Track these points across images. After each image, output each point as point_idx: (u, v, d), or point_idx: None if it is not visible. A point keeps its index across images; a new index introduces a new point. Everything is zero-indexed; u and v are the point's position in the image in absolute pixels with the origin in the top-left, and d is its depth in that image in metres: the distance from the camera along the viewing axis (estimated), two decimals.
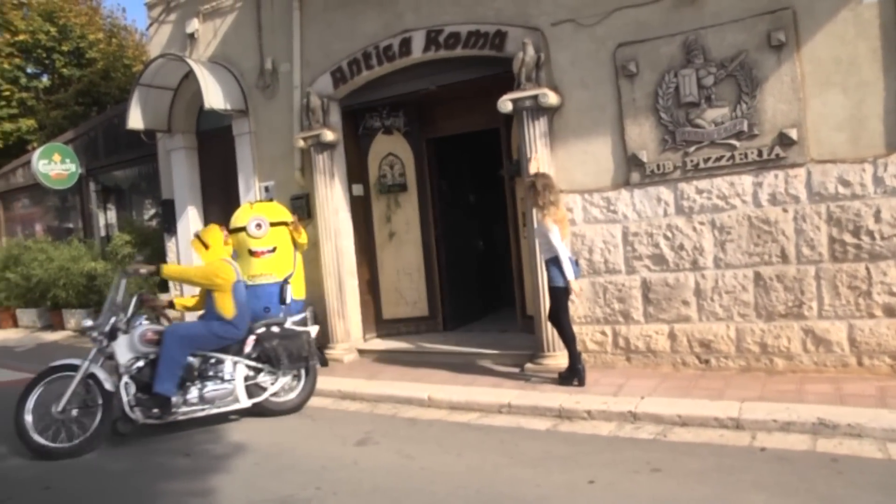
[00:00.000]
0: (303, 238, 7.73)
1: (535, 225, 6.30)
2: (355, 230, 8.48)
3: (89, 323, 5.83)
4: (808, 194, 5.73)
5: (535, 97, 6.52)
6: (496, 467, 4.53)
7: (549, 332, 6.45)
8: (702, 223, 6.13)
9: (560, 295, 6.04)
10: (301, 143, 8.21)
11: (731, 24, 5.89)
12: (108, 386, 5.60)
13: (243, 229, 7.64)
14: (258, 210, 7.77)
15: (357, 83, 8.07)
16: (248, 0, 8.86)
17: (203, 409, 5.88)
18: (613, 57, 6.39)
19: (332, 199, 8.15)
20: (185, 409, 5.79)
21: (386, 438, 5.35)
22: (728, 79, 5.93)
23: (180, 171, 9.84)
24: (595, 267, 6.62)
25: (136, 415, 5.63)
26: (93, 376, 5.61)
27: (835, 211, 5.64)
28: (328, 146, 8.13)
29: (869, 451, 4.25)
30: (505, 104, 6.69)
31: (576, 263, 6.15)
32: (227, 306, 5.93)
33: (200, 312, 6.32)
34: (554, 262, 5.99)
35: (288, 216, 7.79)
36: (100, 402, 5.59)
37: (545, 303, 6.39)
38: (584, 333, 6.65)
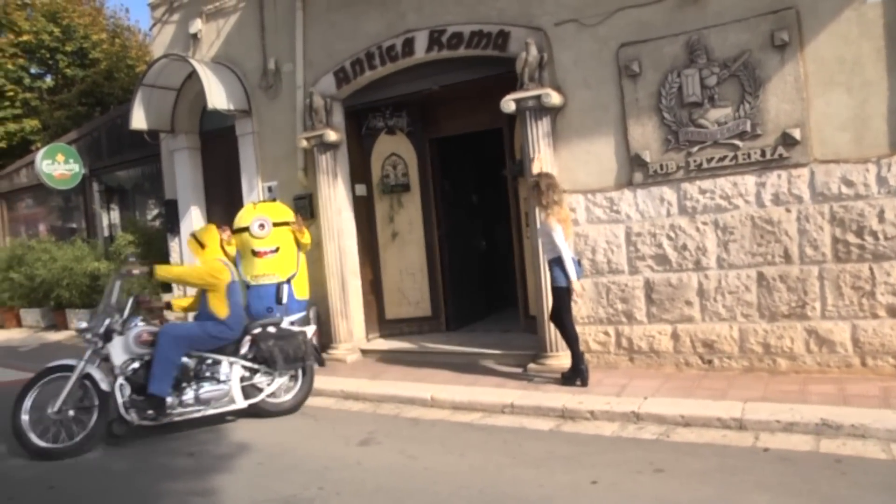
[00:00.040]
0: (306, 238, 7.74)
1: (539, 224, 6.30)
2: (358, 230, 8.48)
3: (84, 325, 5.83)
4: (811, 194, 5.72)
5: (538, 97, 6.52)
6: (499, 467, 4.53)
7: (552, 332, 6.45)
8: (705, 223, 6.13)
9: (563, 295, 6.04)
10: (304, 144, 8.21)
11: (734, 23, 5.88)
12: (103, 386, 5.59)
13: (246, 229, 7.66)
14: (261, 210, 7.79)
15: (360, 83, 8.07)
16: (250, 0, 8.86)
17: (199, 411, 5.86)
18: (616, 57, 6.39)
19: (336, 200, 8.16)
20: (180, 410, 5.78)
21: (389, 438, 5.35)
22: (731, 79, 5.92)
23: (183, 172, 9.85)
24: (598, 267, 6.61)
25: (131, 416, 5.62)
26: (89, 377, 5.61)
27: (838, 211, 5.63)
28: (331, 146, 8.14)
29: (873, 452, 4.24)
30: (508, 104, 6.68)
31: (578, 263, 6.15)
32: (220, 306, 5.92)
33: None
34: (557, 262, 5.99)
35: (291, 216, 7.81)
36: (96, 402, 5.58)
37: (548, 303, 6.39)
38: (588, 334, 6.64)
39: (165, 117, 9.58)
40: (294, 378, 6.36)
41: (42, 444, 5.46)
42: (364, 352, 8.20)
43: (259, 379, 6.13)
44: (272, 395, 6.20)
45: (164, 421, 5.74)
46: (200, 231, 6.34)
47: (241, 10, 8.98)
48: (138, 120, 9.28)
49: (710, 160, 6.04)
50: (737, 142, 5.93)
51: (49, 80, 17.99)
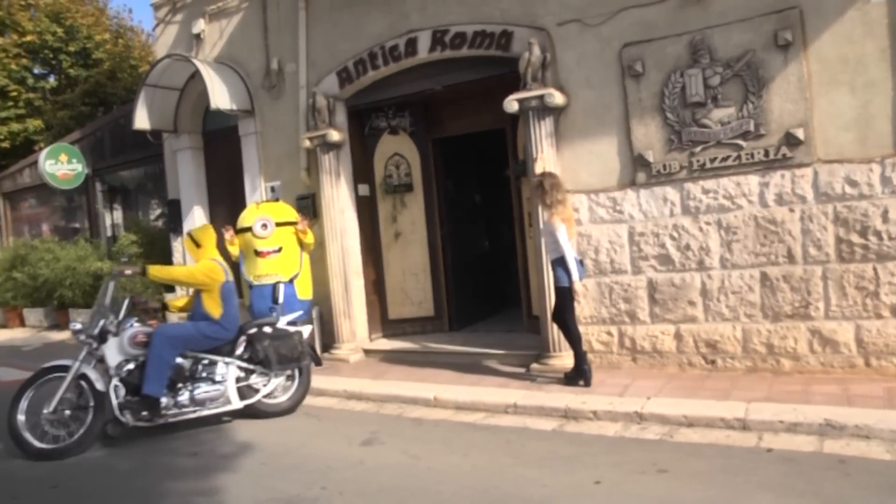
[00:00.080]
0: (309, 238, 7.75)
1: (542, 224, 6.30)
2: (361, 230, 8.48)
3: (78, 326, 5.81)
4: (814, 194, 5.71)
5: (541, 97, 6.51)
6: (502, 467, 4.53)
7: (555, 332, 6.44)
8: (708, 223, 6.12)
9: (565, 295, 6.03)
10: (307, 144, 8.22)
11: (738, 23, 5.87)
12: (99, 386, 5.57)
13: (249, 229, 7.67)
14: (264, 210, 7.80)
15: (363, 83, 8.08)
16: (253, 0, 8.87)
17: (194, 411, 5.83)
18: (619, 57, 6.38)
19: (338, 199, 8.16)
20: (175, 411, 5.76)
21: (392, 438, 5.35)
22: (734, 78, 5.91)
23: (186, 172, 9.86)
24: (601, 267, 6.61)
25: (126, 418, 5.60)
26: (84, 377, 5.60)
27: (842, 211, 5.62)
28: (334, 146, 8.14)
29: (877, 453, 4.23)
30: (511, 104, 6.68)
31: (581, 264, 6.15)
32: (214, 306, 5.90)
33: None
34: (560, 263, 5.98)
35: (294, 216, 7.81)
36: (91, 403, 5.56)
37: (551, 303, 6.39)
38: (590, 334, 6.64)
39: (168, 117, 9.59)
40: (291, 378, 6.33)
41: (38, 444, 5.45)
42: (367, 352, 8.20)
43: (255, 379, 6.10)
44: (269, 395, 6.17)
45: (159, 422, 5.71)
46: (197, 230, 6.32)
47: (243, 10, 8.99)
48: (141, 120, 9.29)
49: (713, 160, 6.03)
50: (740, 142, 5.92)
51: (52, 80, 18.03)
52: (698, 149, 6.08)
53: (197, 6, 9.37)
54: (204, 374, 5.93)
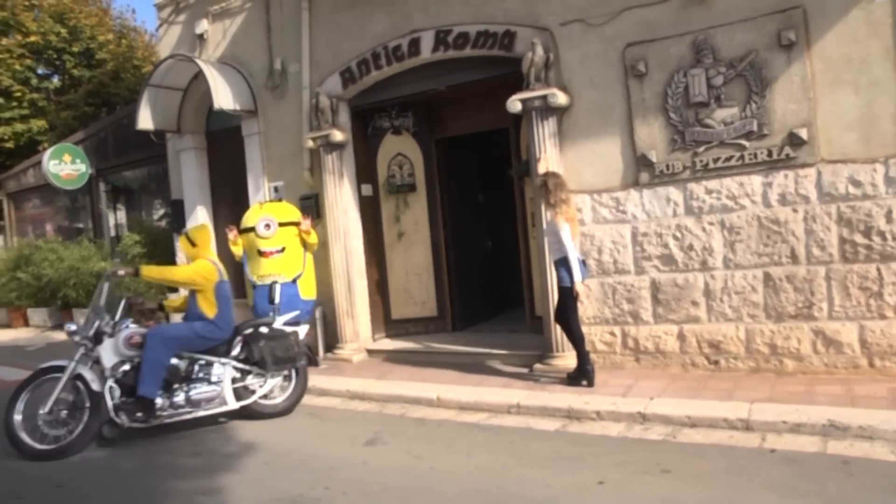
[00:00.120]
0: (312, 238, 7.76)
1: (545, 223, 6.30)
2: (364, 230, 8.49)
3: (74, 327, 5.80)
4: (818, 194, 5.70)
5: (544, 97, 6.51)
6: (505, 467, 4.53)
7: (558, 332, 6.44)
8: (711, 223, 6.11)
9: (568, 295, 6.03)
10: (310, 144, 8.23)
11: (741, 23, 5.87)
12: (95, 387, 5.56)
13: (252, 229, 7.68)
14: (267, 210, 7.81)
15: (366, 83, 8.08)
16: (256, 1, 8.88)
17: (190, 412, 5.81)
18: (622, 57, 6.38)
19: (342, 200, 8.17)
20: (170, 412, 5.73)
21: (395, 438, 5.36)
22: (738, 78, 5.91)
23: (190, 172, 9.87)
24: (604, 267, 6.61)
25: (122, 419, 5.59)
26: (80, 377, 5.59)
27: (845, 211, 5.61)
28: (337, 146, 8.15)
29: (881, 454, 4.22)
30: (514, 104, 6.68)
31: (583, 264, 6.15)
32: (209, 306, 5.88)
33: None
34: (562, 263, 5.98)
35: (297, 216, 7.82)
36: (87, 403, 5.55)
37: (554, 303, 6.38)
38: (593, 334, 6.63)
39: (172, 117, 9.60)
40: (288, 378, 6.30)
41: (33, 444, 5.45)
42: (370, 352, 8.21)
43: (251, 380, 6.07)
44: (266, 396, 6.14)
45: (154, 423, 5.69)
46: (193, 230, 6.29)
47: (247, 10, 9.00)
48: (145, 120, 9.30)
49: (716, 160, 6.03)
50: (743, 142, 5.92)
51: (56, 80, 18.09)
52: (701, 149, 6.08)
53: (200, 6, 9.39)
54: (200, 375, 5.90)
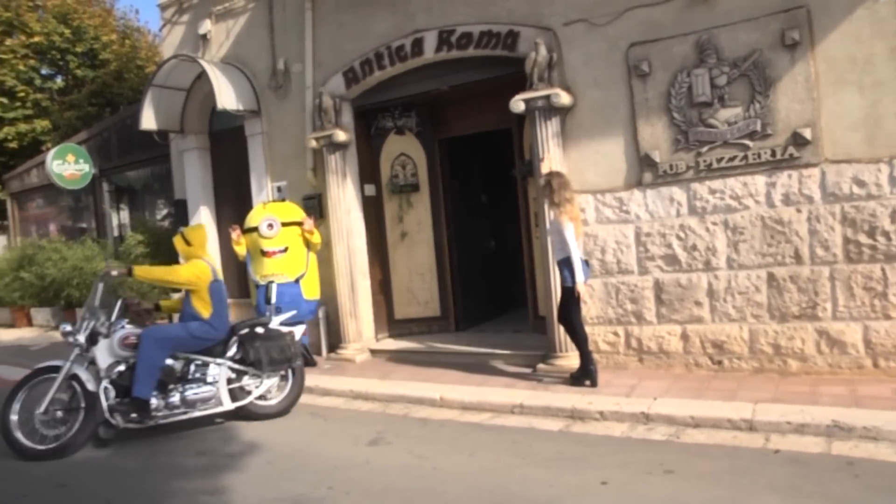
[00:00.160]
0: (316, 238, 7.77)
1: (549, 223, 6.30)
2: (367, 230, 8.49)
3: (68, 328, 5.78)
4: (822, 194, 5.69)
5: (548, 97, 6.51)
6: (508, 468, 4.53)
7: (561, 332, 6.43)
8: (714, 223, 6.11)
9: (571, 295, 6.02)
10: (313, 144, 8.23)
11: (744, 23, 5.86)
12: (90, 387, 5.55)
13: (255, 229, 7.69)
14: (271, 210, 7.82)
15: (369, 83, 8.08)
16: (260, 1, 8.89)
17: (185, 413, 5.79)
18: (626, 57, 6.37)
19: (345, 200, 8.17)
20: (165, 412, 5.71)
21: (398, 438, 5.35)
22: (741, 78, 5.90)
23: (193, 172, 9.88)
24: (607, 267, 6.60)
25: (116, 420, 5.57)
26: (76, 377, 5.58)
27: (849, 211, 5.60)
28: (340, 146, 8.15)
29: (885, 455, 4.21)
30: (517, 104, 6.68)
31: (586, 264, 6.14)
32: (203, 306, 5.86)
33: None
34: (566, 263, 5.97)
35: (300, 216, 7.83)
36: (82, 404, 5.54)
37: (557, 303, 6.38)
38: (597, 334, 6.63)
39: (175, 118, 9.61)
40: (285, 379, 6.27)
41: (29, 444, 5.45)
42: (373, 352, 8.21)
43: (247, 381, 6.03)
44: (262, 397, 6.12)
45: (149, 424, 5.68)
46: (189, 229, 6.26)
47: (250, 10, 9.00)
48: (148, 120, 9.31)
49: (719, 160, 6.02)
50: (747, 142, 5.91)
51: (59, 80, 18.13)
52: (705, 149, 6.07)
53: (203, 7, 9.39)
54: (196, 376, 5.88)
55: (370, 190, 8.63)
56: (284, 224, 7.68)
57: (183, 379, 5.85)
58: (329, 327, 8.34)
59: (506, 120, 7.56)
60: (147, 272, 6.10)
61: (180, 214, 10.24)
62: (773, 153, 5.82)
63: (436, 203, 8.70)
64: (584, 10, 6.55)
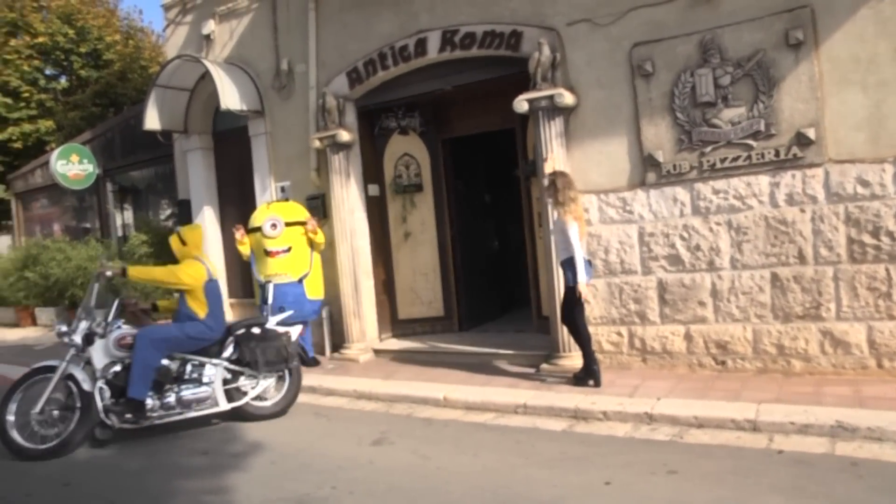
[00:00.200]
0: (319, 238, 7.77)
1: (553, 222, 6.30)
2: (371, 230, 8.49)
3: (64, 328, 5.78)
4: (826, 194, 5.68)
5: (551, 97, 6.51)
6: (512, 468, 4.53)
7: (565, 332, 6.43)
8: (718, 224, 6.10)
9: (575, 295, 6.02)
10: (317, 144, 8.24)
11: (748, 22, 5.85)
12: (86, 387, 5.55)
13: (259, 229, 7.70)
14: (274, 210, 7.83)
15: (373, 83, 8.08)
16: (263, 1, 8.90)
17: (181, 413, 5.78)
18: (629, 56, 6.36)
19: (348, 200, 8.18)
20: (160, 412, 5.70)
21: (401, 438, 5.36)
22: (745, 78, 5.89)
23: (196, 172, 9.89)
24: (611, 267, 6.59)
25: (112, 420, 5.57)
26: (72, 377, 5.58)
27: (853, 211, 5.59)
28: (344, 146, 8.15)
29: (890, 455, 4.20)
30: (521, 104, 6.68)
31: (589, 264, 6.13)
32: (198, 306, 5.85)
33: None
34: (569, 263, 5.97)
35: (304, 216, 7.83)
36: (78, 404, 5.53)
37: (560, 303, 6.37)
38: (600, 334, 6.62)
39: (178, 118, 9.63)
40: (282, 380, 6.24)
41: (24, 443, 5.45)
42: (377, 351, 8.21)
43: (243, 382, 6.01)
44: (260, 398, 6.10)
45: (145, 424, 5.67)
46: (185, 228, 6.23)
47: (253, 11, 9.01)
48: (152, 120, 9.33)
49: (723, 160, 6.01)
50: (750, 142, 5.90)
51: (63, 81, 18.16)
52: (708, 149, 6.06)
53: (207, 7, 9.41)
54: (193, 376, 5.87)
55: (374, 190, 8.63)
56: (288, 224, 7.69)
57: (179, 379, 5.83)
58: (333, 327, 8.35)
59: (509, 120, 7.55)
60: (141, 272, 6.09)
61: (184, 214, 10.26)
62: (777, 153, 5.81)
63: (439, 203, 8.71)
64: (588, 10, 6.54)
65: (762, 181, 5.90)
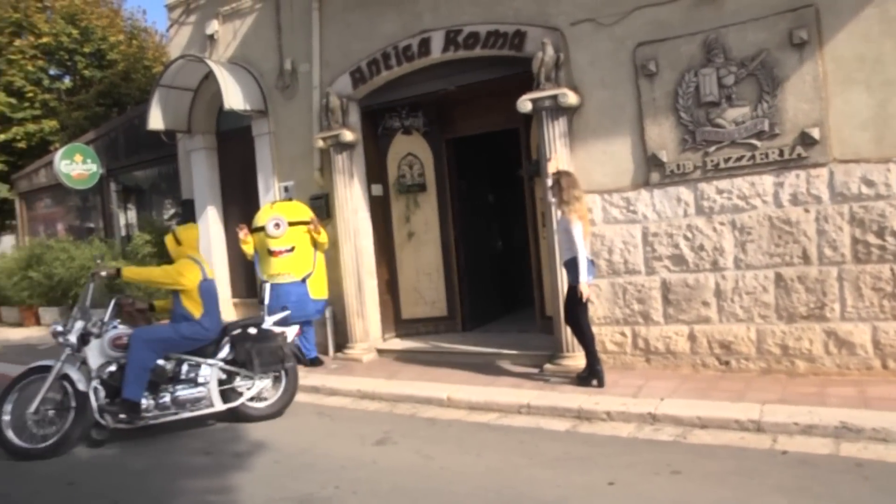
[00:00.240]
0: (322, 237, 7.77)
1: (556, 222, 6.29)
2: (374, 230, 8.49)
3: (59, 328, 5.77)
4: (830, 194, 5.67)
5: (555, 97, 6.50)
6: (516, 468, 4.52)
7: (568, 332, 6.42)
8: (722, 224, 6.09)
9: (578, 295, 6.01)
10: (320, 144, 8.24)
11: (752, 22, 5.83)
12: (81, 387, 5.54)
13: (263, 229, 7.70)
14: (278, 210, 7.83)
15: (376, 83, 8.09)
16: (267, 1, 8.90)
17: (176, 414, 5.76)
18: (633, 56, 6.35)
19: (352, 199, 8.18)
20: (155, 413, 5.69)
21: (405, 438, 5.36)
22: (749, 78, 5.88)
23: (200, 172, 9.91)
24: (615, 267, 6.59)
25: (106, 420, 5.57)
26: (67, 377, 5.58)
27: (858, 211, 5.58)
28: (347, 146, 8.16)
29: (895, 456, 4.19)
30: (524, 104, 6.67)
31: (592, 264, 6.13)
32: (193, 306, 5.83)
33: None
34: (573, 263, 5.96)
35: (308, 215, 7.83)
36: (73, 403, 5.54)
37: (563, 303, 6.36)
38: (604, 334, 6.62)
39: (182, 118, 9.64)
40: (278, 380, 6.22)
41: (20, 443, 5.46)
42: (380, 351, 8.21)
43: (239, 382, 5.99)
44: (256, 398, 6.08)
45: (139, 424, 5.66)
46: (181, 228, 6.21)
47: (257, 10, 9.02)
48: (155, 120, 9.34)
49: (727, 160, 6.00)
50: (754, 141, 5.89)
51: (67, 81, 18.20)
52: (712, 148, 6.05)
53: (210, 7, 9.42)
54: (190, 376, 5.85)
55: (377, 190, 8.64)
56: (291, 223, 7.69)
57: (174, 379, 5.82)
58: (336, 327, 8.35)
59: (513, 120, 7.55)
60: (135, 273, 6.07)
61: (187, 214, 10.27)
62: (781, 153, 5.79)
63: (443, 203, 8.70)
64: (591, 9, 6.53)
65: (766, 181, 5.89)
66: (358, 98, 8.28)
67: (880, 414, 4.65)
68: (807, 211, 5.76)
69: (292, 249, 7.68)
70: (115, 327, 5.78)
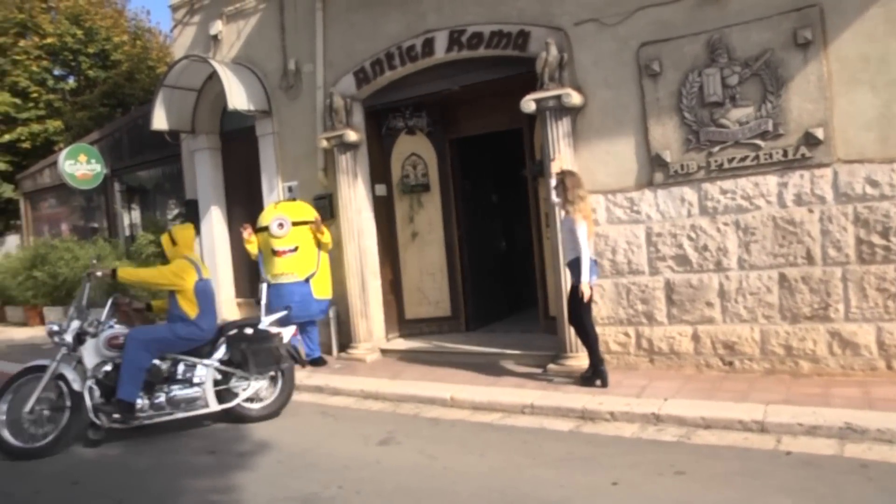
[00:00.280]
0: (326, 237, 7.78)
1: (560, 221, 6.29)
2: (378, 230, 8.49)
3: (55, 328, 5.77)
4: (834, 195, 5.66)
5: (559, 97, 6.50)
6: (519, 468, 4.52)
7: (572, 332, 6.42)
8: (726, 224, 6.08)
9: (582, 296, 6.01)
10: (324, 144, 8.24)
11: (756, 22, 5.82)
12: (76, 387, 5.54)
13: (266, 229, 7.71)
14: (282, 210, 7.84)
15: (380, 83, 8.09)
16: (270, 1, 8.91)
17: (171, 414, 5.75)
18: (637, 56, 6.35)
19: (355, 200, 8.18)
20: (150, 413, 5.68)
21: (408, 438, 5.36)
22: (753, 78, 5.87)
23: (204, 172, 9.92)
24: (618, 268, 6.58)
25: (101, 420, 5.57)
26: (62, 377, 5.58)
27: (862, 212, 5.56)
28: (351, 146, 8.16)
29: None
30: (528, 104, 6.67)
31: (595, 264, 6.12)
32: (189, 306, 5.82)
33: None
34: (576, 263, 5.96)
35: (312, 215, 7.84)
36: (68, 403, 5.53)
37: (567, 303, 6.36)
38: (607, 334, 6.61)
39: (186, 118, 9.65)
40: (274, 381, 6.20)
41: (15, 442, 5.47)
42: (384, 351, 8.21)
43: (235, 383, 5.98)
44: (252, 399, 6.07)
45: (134, 424, 5.65)
46: (176, 228, 6.20)
47: (261, 11, 9.03)
48: (159, 120, 9.36)
49: (731, 160, 5.99)
50: (758, 141, 5.88)
51: (72, 81, 18.25)
52: (716, 149, 6.04)
53: (214, 7, 9.43)
54: (185, 376, 5.84)
55: (381, 190, 8.64)
56: (295, 223, 7.69)
57: (170, 379, 5.81)
58: (340, 327, 8.35)
59: (517, 120, 7.55)
60: (131, 274, 6.08)
61: (191, 214, 10.28)
62: (785, 153, 5.78)
63: (446, 203, 8.70)
64: (595, 9, 6.53)
65: (770, 181, 5.88)
66: (362, 98, 8.29)
67: (885, 415, 4.63)
68: (811, 211, 5.75)
69: (296, 249, 7.68)
70: (111, 327, 5.79)
